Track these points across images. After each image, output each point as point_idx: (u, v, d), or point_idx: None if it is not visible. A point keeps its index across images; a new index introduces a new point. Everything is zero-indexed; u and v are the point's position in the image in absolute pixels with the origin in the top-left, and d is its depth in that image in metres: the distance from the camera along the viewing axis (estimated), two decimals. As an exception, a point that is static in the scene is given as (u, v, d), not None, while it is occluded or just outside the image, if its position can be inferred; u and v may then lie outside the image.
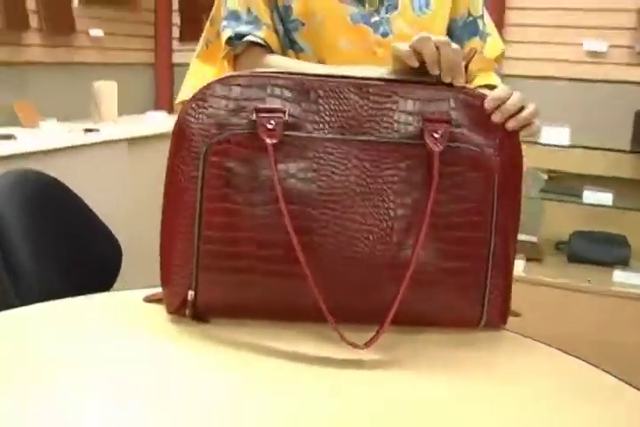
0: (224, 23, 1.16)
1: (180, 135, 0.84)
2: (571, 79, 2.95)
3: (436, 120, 0.83)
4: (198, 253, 0.84)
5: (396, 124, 0.83)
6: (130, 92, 3.40)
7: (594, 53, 2.93)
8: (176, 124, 0.84)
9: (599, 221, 2.57)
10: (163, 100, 3.79)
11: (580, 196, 2.40)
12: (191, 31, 3.48)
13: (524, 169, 0.88)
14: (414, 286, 0.80)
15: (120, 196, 2.43)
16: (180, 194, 0.84)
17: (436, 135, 0.82)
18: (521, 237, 2.62)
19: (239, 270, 0.83)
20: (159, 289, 0.90)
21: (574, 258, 2.55)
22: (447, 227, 0.84)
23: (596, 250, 2.51)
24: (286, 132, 0.82)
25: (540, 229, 2.69)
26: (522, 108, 0.85)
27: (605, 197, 2.34)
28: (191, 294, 0.85)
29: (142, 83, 3.81)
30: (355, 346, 0.78)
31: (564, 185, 2.62)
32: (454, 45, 0.83)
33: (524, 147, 0.88)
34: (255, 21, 1.13)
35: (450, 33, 1.19)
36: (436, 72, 0.83)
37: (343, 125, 0.83)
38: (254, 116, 0.82)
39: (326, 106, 0.83)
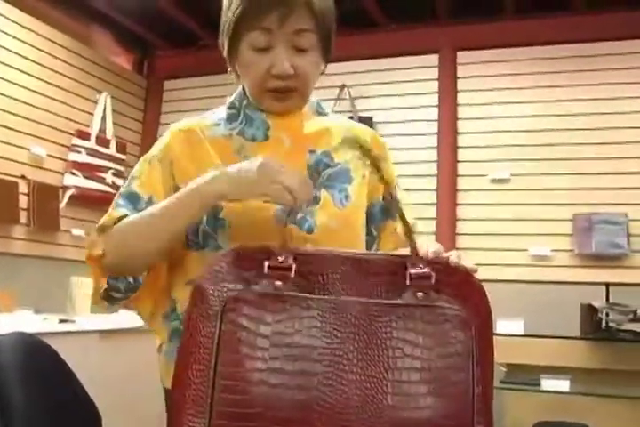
0: (120, 200, 1.19)
1: (198, 294, 0.96)
2: (519, 281, 3.20)
3: (418, 277, 0.97)
4: (212, 401, 0.91)
5: (383, 288, 0.98)
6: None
7: (538, 257, 3.23)
8: (194, 286, 0.97)
9: (559, 408, 2.63)
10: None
11: (537, 384, 2.51)
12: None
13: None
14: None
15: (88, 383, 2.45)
16: (195, 348, 0.95)
17: (419, 294, 0.97)
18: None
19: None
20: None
21: (539, 450, 2.56)
22: (434, 380, 0.94)
23: (559, 441, 2.53)
24: (292, 293, 0.96)
25: (501, 421, 2.73)
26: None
27: (562, 384, 2.45)
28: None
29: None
30: None
31: (522, 375, 2.71)
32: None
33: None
34: None
35: (368, 215, 1.30)
36: None
37: (339, 290, 0.98)
38: (266, 270, 0.96)
39: (324, 275, 0.98)
